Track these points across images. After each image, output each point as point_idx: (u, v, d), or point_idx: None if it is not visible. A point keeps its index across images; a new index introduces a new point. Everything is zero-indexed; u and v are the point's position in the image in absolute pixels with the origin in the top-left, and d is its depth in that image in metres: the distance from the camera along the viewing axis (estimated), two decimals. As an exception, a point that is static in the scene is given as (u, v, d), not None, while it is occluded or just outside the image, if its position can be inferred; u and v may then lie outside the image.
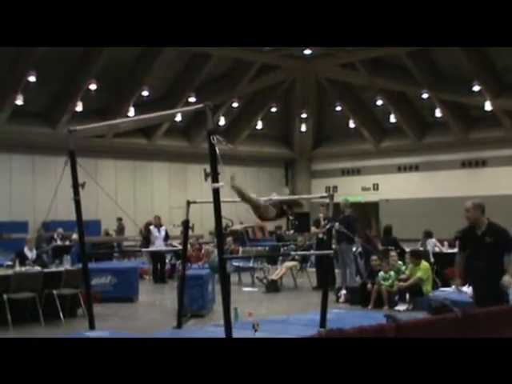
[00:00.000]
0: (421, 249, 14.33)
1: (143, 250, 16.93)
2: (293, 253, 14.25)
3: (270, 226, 29.71)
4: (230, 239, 18.19)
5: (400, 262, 12.36)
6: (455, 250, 15.51)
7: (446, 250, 15.29)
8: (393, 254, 12.59)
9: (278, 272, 15.25)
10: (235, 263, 15.94)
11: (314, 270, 15.35)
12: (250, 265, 16.39)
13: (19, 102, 22.80)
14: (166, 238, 17.34)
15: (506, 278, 6.70)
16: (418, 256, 12.05)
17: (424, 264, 11.79)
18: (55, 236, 20.55)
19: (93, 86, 23.85)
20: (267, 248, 19.30)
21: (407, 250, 13.49)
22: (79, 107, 24.20)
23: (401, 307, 11.36)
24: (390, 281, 11.75)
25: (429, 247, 14.81)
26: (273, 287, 14.67)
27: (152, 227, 17.25)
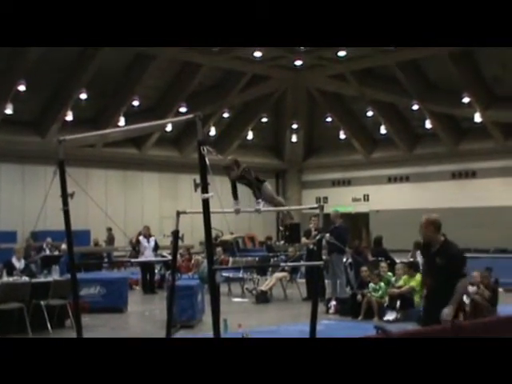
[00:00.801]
0: (411, 260, 14.33)
1: (132, 260, 16.85)
2: (283, 264, 14.22)
3: (260, 236, 29.70)
4: (219, 249, 18.15)
5: (390, 274, 12.36)
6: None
7: (436, 261, 15.30)
8: (383, 265, 12.60)
9: (267, 283, 15.20)
10: (225, 274, 15.88)
11: (304, 280, 15.32)
12: (240, 275, 16.35)
13: (9, 111, 22.71)
14: (156, 248, 17.27)
15: (445, 311, 6.10)
16: (414, 268, 12.10)
17: (419, 276, 11.81)
18: (44, 246, 20.44)
19: (83, 96, 23.79)
20: (257, 258, 19.24)
21: (397, 261, 13.50)
22: (69, 116, 24.12)
23: (390, 316, 11.35)
24: (380, 292, 11.75)
25: (419, 258, 14.79)
26: (263, 298, 14.63)
27: (141, 237, 17.18)
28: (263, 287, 15.06)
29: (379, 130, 29.57)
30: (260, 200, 7.47)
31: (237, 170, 7.45)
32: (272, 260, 18.61)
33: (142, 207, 28.97)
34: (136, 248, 17.24)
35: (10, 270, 11.26)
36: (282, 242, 28.35)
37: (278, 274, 15.46)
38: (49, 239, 20.68)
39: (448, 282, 6.25)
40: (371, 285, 11.93)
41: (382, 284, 11.87)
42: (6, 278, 10.79)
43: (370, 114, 29.13)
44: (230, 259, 18.12)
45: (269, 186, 7.86)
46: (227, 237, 25.37)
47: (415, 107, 27.18)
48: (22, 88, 22.16)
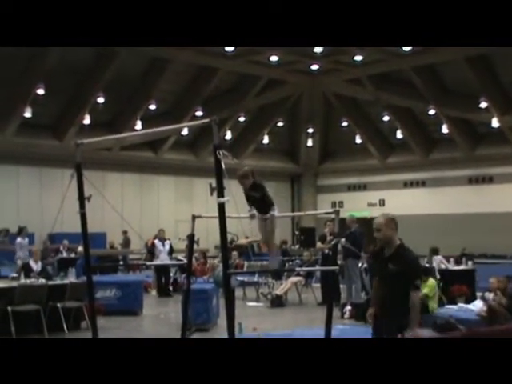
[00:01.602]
0: (427, 265, 14.27)
1: (148, 263, 16.92)
2: (298, 268, 14.22)
3: (275, 240, 29.66)
4: (235, 253, 18.17)
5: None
6: (462, 267, 15.55)
7: (452, 266, 15.25)
8: (398, 270, 12.52)
9: (282, 287, 15.21)
10: (240, 278, 15.90)
11: (319, 285, 15.30)
12: (255, 279, 16.35)
13: (27, 114, 22.92)
14: (171, 251, 17.33)
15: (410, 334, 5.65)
16: (425, 273, 11.98)
17: (431, 281, 11.73)
18: (61, 248, 20.59)
19: (100, 99, 23.97)
20: (272, 263, 19.22)
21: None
22: (87, 120, 24.30)
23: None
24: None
25: (435, 264, 14.75)
26: (277, 302, 14.63)
27: (156, 241, 17.25)
28: (278, 291, 15.07)
29: (395, 134, 29.49)
30: (274, 207, 7.15)
31: (251, 178, 7.20)
32: (287, 264, 18.60)
33: (158, 210, 29.08)
34: (152, 251, 17.32)
35: (28, 271, 11.37)
36: (297, 247, 28.34)
37: (293, 279, 15.46)
38: (65, 241, 20.83)
39: (400, 291, 5.69)
40: (386, 290, 11.86)
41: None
42: (23, 280, 10.89)
43: (386, 118, 29.06)
44: (245, 263, 18.15)
45: (276, 212, 7.30)
46: (242, 241, 25.37)
47: (432, 112, 27.07)
48: (40, 92, 22.36)
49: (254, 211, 7.24)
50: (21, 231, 17.56)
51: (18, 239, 17.19)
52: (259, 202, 7.17)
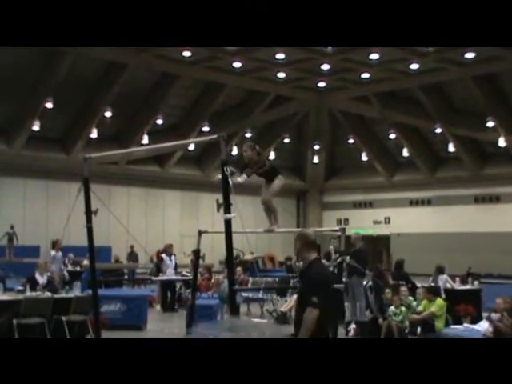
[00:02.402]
0: (432, 284, 14.20)
1: (153, 278, 16.89)
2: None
3: (279, 256, 29.63)
4: (239, 269, 18.12)
5: (411, 298, 12.24)
6: (468, 287, 15.47)
7: (457, 286, 15.16)
8: (403, 289, 12.48)
9: (287, 304, 15.15)
10: (244, 294, 15.86)
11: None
12: (260, 296, 16.31)
13: (36, 127, 23.06)
14: (176, 266, 17.33)
15: None
16: (434, 292, 11.96)
17: (439, 300, 11.66)
18: (66, 261, 20.58)
19: (108, 113, 24.09)
20: (277, 279, 19.19)
21: (419, 285, 13.37)
22: (94, 134, 24.43)
23: (411, 343, 11.24)
24: (400, 316, 11.63)
25: (440, 283, 14.66)
26: (282, 319, 14.57)
27: (164, 255, 17.25)
28: (283, 308, 15.01)
29: (401, 152, 29.50)
30: (245, 176, 7.65)
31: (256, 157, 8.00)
32: (292, 281, 18.54)
33: (163, 225, 29.10)
34: (159, 266, 17.32)
35: (34, 285, 11.37)
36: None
37: (298, 296, 15.40)
38: (71, 255, 20.82)
39: (303, 308, 5.29)
40: (391, 308, 11.81)
41: (403, 308, 11.76)
42: (29, 293, 10.89)
43: (392, 136, 29.09)
44: (250, 279, 18.10)
45: (282, 181, 8.21)
46: (247, 256, 25.37)
47: (438, 130, 27.09)
48: (49, 105, 22.49)
49: (242, 178, 7.55)
50: (54, 244, 17.34)
51: (52, 252, 17.00)
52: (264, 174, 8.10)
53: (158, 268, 17.27)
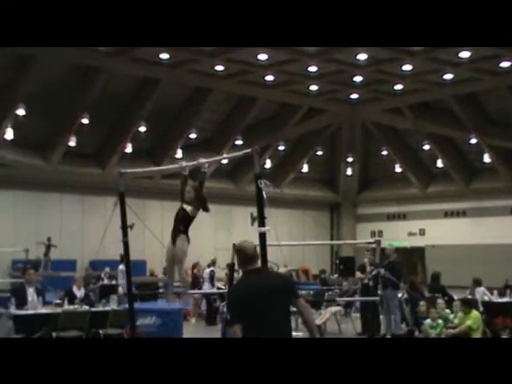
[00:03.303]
0: (469, 297, 14.02)
1: (190, 291, 16.97)
2: (338, 299, 14.12)
3: (314, 269, 29.54)
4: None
5: (448, 311, 12.09)
6: (506, 299, 15.24)
7: (495, 298, 14.94)
8: (440, 301, 12.34)
9: (321, 317, 15.10)
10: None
11: (358, 315, 15.16)
12: (294, 309, 16.27)
13: (72, 143, 23.47)
14: (212, 279, 17.49)
15: None
16: (469, 304, 11.72)
17: (475, 313, 11.44)
18: (102, 275, 20.82)
19: (142, 128, 24.40)
20: (311, 292, 19.14)
21: (455, 297, 13.21)
22: (128, 149, 24.74)
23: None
24: (438, 329, 11.47)
25: (477, 296, 14.49)
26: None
27: (211, 269, 17.49)
28: (318, 321, 14.96)
29: (435, 163, 29.23)
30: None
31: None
32: (326, 294, 18.48)
33: (197, 238, 28.97)
34: (201, 279, 17.54)
35: (71, 298, 11.54)
36: (336, 276, 28.13)
37: (333, 308, 15.35)
38: (107, 269, 21.06)
39: None
40: (428, 321, 11.69)
41: (440, 321, 11.62)
42: (66, 307, 11.06)
43: (426, 147, 28.86)
44: (284, 292, 18.05)
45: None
46: (281, 269, 25.31)
47: (473, 141, 26.80)
48: (85, 121, 22.87)
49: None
50: (122, 258, 17.41)
51: (120, 266, 17.11)
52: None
53: (194, 281, 17.39)
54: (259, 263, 5.35)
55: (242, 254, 5.19)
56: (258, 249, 6.37)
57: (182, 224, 7.94)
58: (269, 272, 5.46)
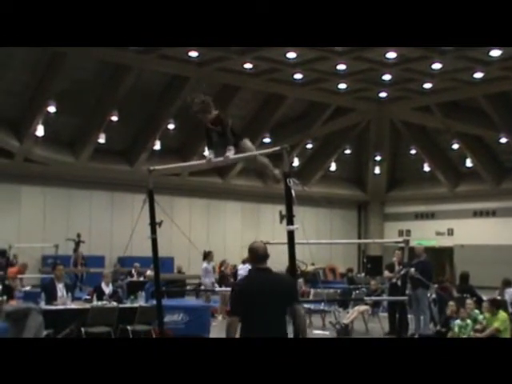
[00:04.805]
0: (498, 298, 13.85)
1: (216, 289, 17.03)
2: (366, 298, 14.04)
3: (341, 268, 29.46)
4: (301, 280, 18.11)
5: (477, 311, 11.95)
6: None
7: (525, 300, 14.72)
8: (469, 302, 12.20)
9: (349, 315, 15.05)
10: (306, 305, 15.82)
11: (386, 314, 15.07)
12: (321, 307, 16.24)
13: (101, 140, 23.69)
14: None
15: None
16: (496, 305, 11.56)
17: (502, 314, 11.29)
18: (133, 271, 20.99)
19: (171, 125, 24.54)
20: (338, 291, 19.09)
21: (484, 298, 13.05)
22: (157, 146, 24.90)
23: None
24: (467, 329, 11.33)
25: (507, 297, 14.29)
26: (344, 331, 14.47)
27: (241, 266, 17.55)
28: (345, 320, 14.92)
29: (465, 162, 28.95)
30: (231, 147, 7.30)
31: (211, 113, 7.51)
32: (353, 293, 18.41)
33: (224, 236, 29.32)
34: (228, 276, 17.61)
35: (100, 294, 11.66)
36: (363, 275, 28.00)
37: (360, 308, 15.28)
38: (137, 264, 21.21)
39: None
40: (457, 322, 11.56)
41: (469, 321, 11.48)
42: (95, 302, 11.17)
43: (455, 146, 28.57)
44: (312, 290, 18.05)
45: (248, 142, 7.66)
46: (309, 268, 25.30)
47: (503, 140, 26.47)
48: (114, 118, 23.08)
49: (212, 156, 7.32)
50: (206, 256, 16.96)
51: (204, 264, 17.12)
52: (220, 137, 7.42)
53: (223, 279, 17.45)
54: (267, 264, 5.53)
55: (254, 253, 5.52)
56: (286, 247, 6.41)
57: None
58: (275, 273, 5.64)
